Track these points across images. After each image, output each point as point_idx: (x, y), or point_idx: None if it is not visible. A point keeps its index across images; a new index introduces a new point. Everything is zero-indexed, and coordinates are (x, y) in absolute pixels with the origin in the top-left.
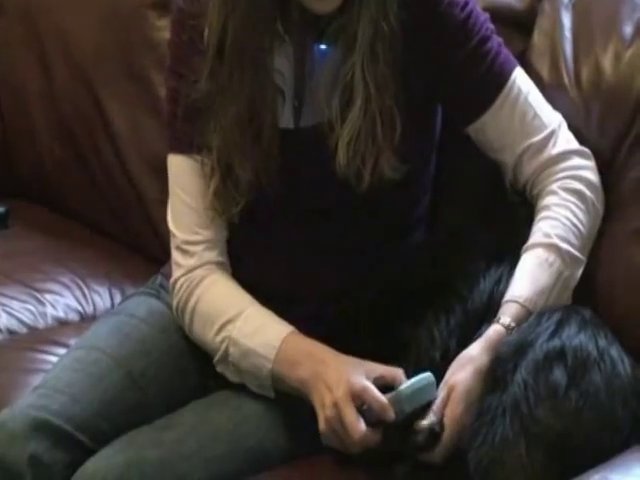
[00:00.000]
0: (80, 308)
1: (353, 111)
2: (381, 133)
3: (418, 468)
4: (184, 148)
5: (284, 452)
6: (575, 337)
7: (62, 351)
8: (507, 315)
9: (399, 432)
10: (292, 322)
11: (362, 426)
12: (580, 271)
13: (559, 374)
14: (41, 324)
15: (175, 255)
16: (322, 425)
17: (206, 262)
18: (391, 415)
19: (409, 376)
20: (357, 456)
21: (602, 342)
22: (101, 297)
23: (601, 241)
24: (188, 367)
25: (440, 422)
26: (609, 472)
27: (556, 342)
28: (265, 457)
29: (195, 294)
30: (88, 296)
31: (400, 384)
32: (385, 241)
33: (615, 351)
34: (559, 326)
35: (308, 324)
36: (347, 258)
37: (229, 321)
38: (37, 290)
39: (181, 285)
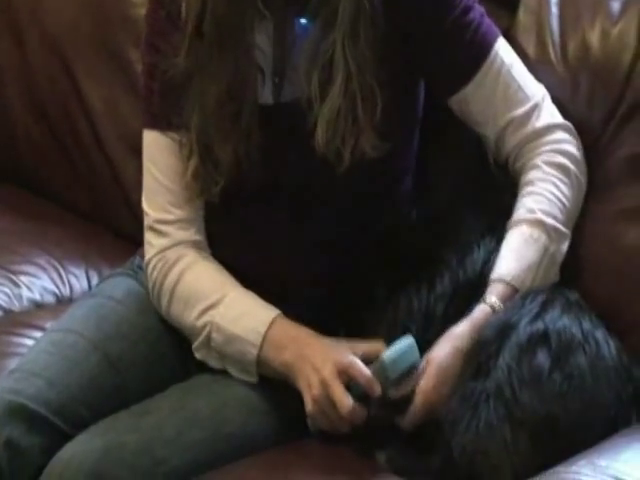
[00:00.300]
0: (56, 290)
1: (333, 90)
2: (362, 112)
3: (403, 453)
4: (159, 124)
5: (267, 437)
6: (559, 320)
7: (38, 334)
8: (494, 294)
9: (385, 406)
10: (274, 303)
11: (350, 401)
12: (566, 245)
13: (542, 357)
14: (16, 307)
15: (148, 235)
16: (309, 406)
17: (180, 241)
18: (377, 389)
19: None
20: (343, 439)
21: (586, 324)
22: (78, 279)
23: (586, 221)
24: (167, 350)
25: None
26: (596, 457)
27: (539, 325)
28: (247, 442)
29: (172, 274)
30: (64, 278)
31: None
32: (369, 220)
33: (600, 334)
34: (542, 308)
35: (291, 305)
36: (330, 237)
37: (211, 306)
38: (12, 272)
39: (154, 266)
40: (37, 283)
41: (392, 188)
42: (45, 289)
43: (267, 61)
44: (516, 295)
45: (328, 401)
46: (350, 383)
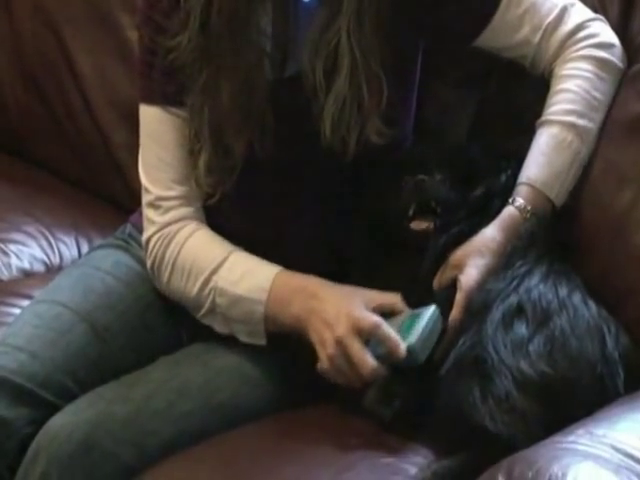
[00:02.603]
0: (46, 259)
1: (338, 80)
2: (367, 100)
3: (405, 412)
4: (160, 100)
5: (260, 407)
6: (534, 289)
7: (28, 303)
8: (521, 197)
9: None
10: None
11: (372, 361)
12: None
13: (520, 327)
14: (5, 275)
15: (148, 212)
16: (324, 364)
17: (181, 218)
18: (403, 354)
19: (410, 302)
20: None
21: (563, 291)
22: (68, 247)
23: (588, 183)
24: (156, 321)
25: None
26: (593, 426)
27: (512, 299)
28: (238, 413)
29: (171, 247)
30: (54, 246)
31: (400, 312)
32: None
33: (577, 297)
34: (521, 280)
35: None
36: (331, 214)
37: (213, 272)
38: (1, 240)
39: (155, 243)
40: (26, 251)
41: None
42: (34, 257)
43: (270, 43)
44: (545, 202)
45: (345, 360)
46: (370, 342)
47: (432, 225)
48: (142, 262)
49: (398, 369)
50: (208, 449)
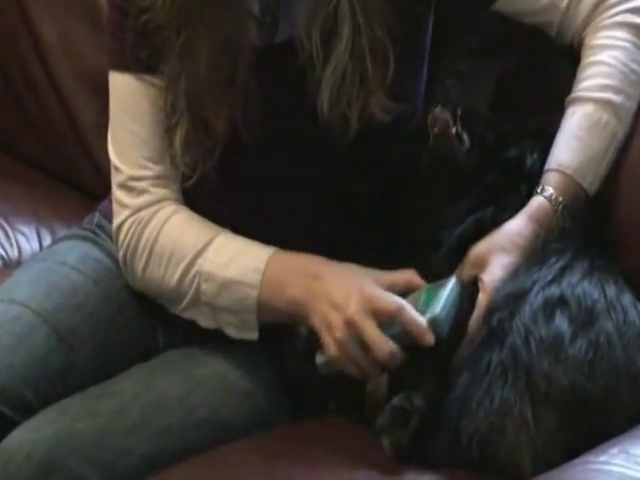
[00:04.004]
0: (2, 252)
1: (338, 48)
2: (371, 71)
3: (407, 437)
4: (133, 66)
5: (246, 423)
6: (578, 285)
7: None
8: (551, 185)
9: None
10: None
11: (390, 343)
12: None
13: (562, 322)
14: None
15: (119, 194)
16: (332, 350)
17: (157, 200)
18: (431, 339)
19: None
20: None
21: (611, 290)
22: (27, 239)
23: (625, 169)
24: (130, 323)
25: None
26: (630, 445)
27: (554, 290)
28: (223, 429)
29: (147, 232)
30: (12, 238)
31: (417, 289)
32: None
33: (627, 299)
34: (560, 274)
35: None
36: (331, 193)
37: (197, 255)
38: None
39: (128, 229)
40: None
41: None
42: None
43: (256, 5)
44: (579, 191)
45: (358, 345)
46: (384, 323)
47: (452, 124)
48: (113, 256)
49: (411, 374)
50: (188, 470)
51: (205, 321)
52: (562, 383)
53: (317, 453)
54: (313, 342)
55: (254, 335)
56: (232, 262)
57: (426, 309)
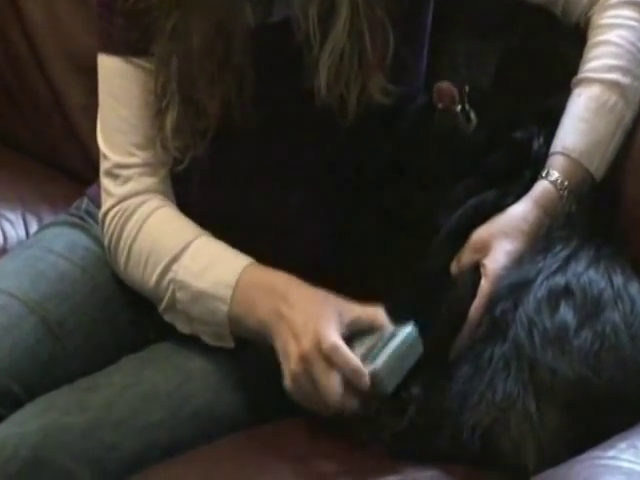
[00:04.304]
0: None
1: (336, 27)
2: (370, 51)
3: (403, 433)
4: (121, 48)
5: (240, 417)
6: (583, 274)
7: None
8: (556, 170)
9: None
10: (262, 252)
11: (338, 388)
12: None
13: (567, 312)
14: None
15: (105, 182)
16: (287, 380)
17: (143, 190)
18: (366, 383)
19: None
20: (331, 421)
21: (618, 279)
22: (13, 225)
23: (632, 153)
24: (119, 313)
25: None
26: (638, 439)
27: (559, 280)
28: (215, 423)
29: (129, 226)
30: None
31: (379, 327)
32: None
33: (635, 288)
34: (565, 263)
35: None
36: (330, 178)
37: (173, 260)
38: None
39: (112, 218)
40: None
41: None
42: None
43: None
44: (584, 174)
45: (310, 381)
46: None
47: (458, 100)
48: (101, 243)
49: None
50: (179, 466)
51: (182, 327)
52: (567, 376)
53: (320, 445)
54: None
55: (229, 344)
56: (206, 272)
57: (374, 358)
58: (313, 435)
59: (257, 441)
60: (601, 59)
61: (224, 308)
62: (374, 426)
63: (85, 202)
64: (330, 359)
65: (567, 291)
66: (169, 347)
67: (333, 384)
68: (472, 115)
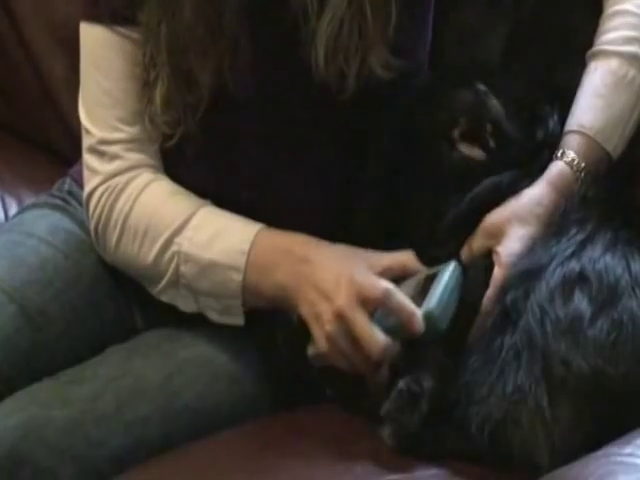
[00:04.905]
0: None
1: None
2: (371, 22)
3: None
4: (106, 17)
5: (234, 411)
6: (599, 259)
7: None
8: (572, 149)
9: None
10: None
11: (383, 338)
12: None
13: (581, 301)
14: None
15: (89, 159)
16: (322, 344)
17: (132, 166)
18: (419, 327)
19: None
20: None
21: (636, 265)
22: None
23: None
24: (104, 301)
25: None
26: None
27: (574, 265)
28: (206, 418)
29: (121, 202)
30: None
31: (414, 273)
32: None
33: None
34: (580, 247)
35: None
36: (328, 159)
37: (176, 232)
38: None
39: (99, 197)
40: None
41: None
42: None
43: None
44: (602, 153)
45: (348, 338)
46: (377, 312)
47: (483, 154)
48: (85, 226)
49: (417, 353)
50: (169, 464)
51: (185, 304)
52: (581, 368)
53: (310, 444)
54: (305, 327)
55: (239, 320)
56: (214, 241)
57: (422, 300)
58: (315, 432)
59: (254, 437)
60: (618, 30)
61: (238, 277)
62: (383, 422)
63: (68, 183)
64: (380, 306)
65: (582, 277)
66: (158, 336)
67: (378, 337)
68: (491, 143)
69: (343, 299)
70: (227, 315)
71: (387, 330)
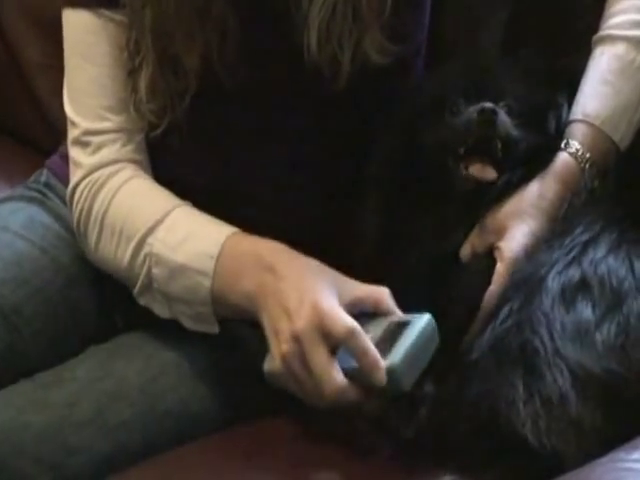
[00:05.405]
0: None
1: None
2: (365, 5)
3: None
4: (89, 0)
5: (219, 416)
6: (601, 262)
7: None
8: (576, 139)
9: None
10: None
11: (340, 377)
12: None
13: (584, 308)
14: None
15: (74, 151)
16: (276, 362)
17: (116, 159)
18: (382, 378)
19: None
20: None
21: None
22: None
23: None
24: (83, 300)
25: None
26: None
27: (573, 272)
28: (190, 423)
29: (100, 197)
30: None
31: (386, 311)
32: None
33: None
34: (582, 250)
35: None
36: (318, 149)
37: (148, 232)
38: None
39: (82, 192)
40: None
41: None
42: None
43: None
44: (608, 144)
45: (302, 365)
46: (339, 349)
47: (495, 175)
48: (63, 220)
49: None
50: (150, 471)
51: (160, 310)
52: (594, 372)
53: (298, 449)
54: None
55: (213, 329)
56: (184, 244)
57: (388, 349)
58: (302, 438)
59: (238, 444)
60: (626, 14)
61: (206, 283)
62: (380, 430)
63: (45, 174)
64: (343, 344)
65: (583, 284)
66: (140, 337)
67: (333, 370)
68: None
69: (303, 323)
70: (200, 322)
71: (346, 372)
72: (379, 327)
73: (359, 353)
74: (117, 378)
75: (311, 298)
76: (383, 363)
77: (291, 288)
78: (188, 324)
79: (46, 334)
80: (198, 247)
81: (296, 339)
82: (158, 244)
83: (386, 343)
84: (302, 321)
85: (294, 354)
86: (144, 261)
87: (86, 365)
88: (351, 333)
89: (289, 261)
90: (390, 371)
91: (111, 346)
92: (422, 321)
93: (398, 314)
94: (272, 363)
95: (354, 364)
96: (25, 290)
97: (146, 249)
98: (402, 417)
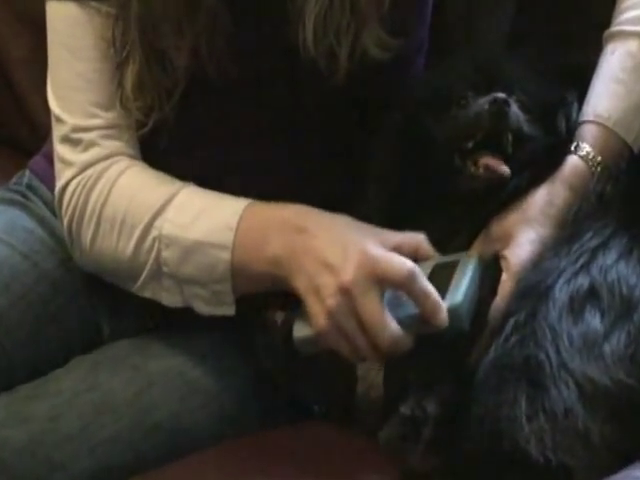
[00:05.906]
0: None
1: None
2: None
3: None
4: None
5: (212, 430)
6: (611, 269)
7: None
8: (587, 142)
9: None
10: None
11: (396, 325)
12: None
13: (593, 318)
14: None
15: (61, 150)
16: (320, 321)
17: (107, 155)
18: (444, 319)
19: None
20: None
21: None
22: None
23: None
24: (67, 308)
25: None
26: None
27: (581, 281)
28: (180, 437)
29: (96, 192)
30: None
31: (425, 256)
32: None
33: None
34: (591, 257)
35: None
36: (314, 148)
37: (155, 215)
38: None
39: (73, 191)
40: None
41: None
42: None
43: None
44: (620, 145)
45: (354, 319)
46: (385, 297)
47: (509, 171)
48: (46, 224)
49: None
50: None
51: (169, 298)
52: (604, 383)
53: (294, 465)
54: (291, 331)
55: (229, 310)
56: (198, 220)
57: (442, 293)
58: (303, 453)
59: (232, 459)
60: (638, 8)
61: (225, 256)
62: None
63: (27, 175)
64: (402, 289)
65: (592, 293)
66: (126, 346)
67: (389, 318)
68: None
69: (352, 273)
70: (216, 304)
71: (399, 321)
72: (424, 271)
73: (421, 296)
74: (102, 390)
75: (357, 248)
76: (445, 304)
77: (328, 243)
78: (202, 309)
79: (28, 344)
80: (214, 221)
81: (344, 291)
82: (168, 225)
83: (438, 285)
84: (351, 271)
85: (343, 309)
86: (152, 246)
87: (70, 377)
88: (412, 275)
89: (320, 220)
90: (452, 311)
91: (96, 356)
92: (473, 260)
93: (437, 257)
94: (304, 328)
95: (404, 312)
96: (6, 297)
97: (154, 233)
98: (407, 438)
